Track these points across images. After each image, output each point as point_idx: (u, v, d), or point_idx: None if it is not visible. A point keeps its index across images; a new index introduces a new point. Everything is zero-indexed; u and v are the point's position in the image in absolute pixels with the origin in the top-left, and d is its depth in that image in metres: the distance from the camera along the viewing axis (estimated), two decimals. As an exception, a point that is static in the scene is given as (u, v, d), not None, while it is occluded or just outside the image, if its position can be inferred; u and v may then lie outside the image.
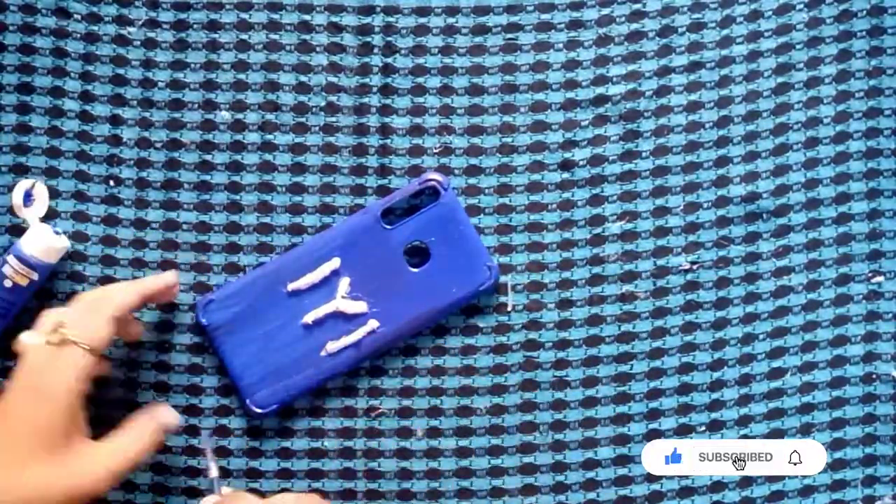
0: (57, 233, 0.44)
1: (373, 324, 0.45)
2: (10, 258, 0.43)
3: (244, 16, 0.47)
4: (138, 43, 0.46)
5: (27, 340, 0.38)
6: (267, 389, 0.45)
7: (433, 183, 0.45)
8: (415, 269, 0.45)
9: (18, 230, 0.45)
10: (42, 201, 0.45)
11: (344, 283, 0.45)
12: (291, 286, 0.45)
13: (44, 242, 0.43)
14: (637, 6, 0.47)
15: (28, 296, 0.44)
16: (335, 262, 0.45)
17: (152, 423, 0.41)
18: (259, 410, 0.45)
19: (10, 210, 0.45)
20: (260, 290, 0.45)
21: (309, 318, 0.45)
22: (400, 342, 0.46)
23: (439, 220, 0.45)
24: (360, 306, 0.45)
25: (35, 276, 0.43)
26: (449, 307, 0.45)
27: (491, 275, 0.45)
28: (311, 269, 0.45)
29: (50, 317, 0.39)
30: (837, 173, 0.47)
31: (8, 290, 0.43)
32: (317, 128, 0.47)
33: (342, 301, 0.45)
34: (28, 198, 0.45)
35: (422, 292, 0.45)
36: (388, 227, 0.45)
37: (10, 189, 0.45)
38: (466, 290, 0.45)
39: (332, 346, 0.45)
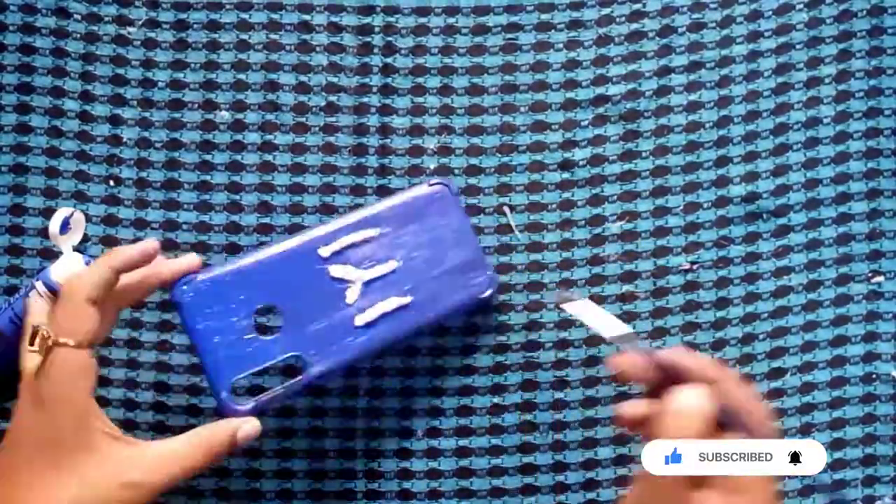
0: (87, 262, 0.42)
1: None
2: (39, 284, 0.41)
3: (244, 16, 0.46)
4: (138, 43, 0.46)
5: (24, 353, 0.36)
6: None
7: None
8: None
9: (17, 230, 0.45)
10: (78, 231, 0.44)
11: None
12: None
13: (73, 272, 0.41)
14: (637, 6, 0.47)
15: None
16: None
17: (227, 432, 0.37)
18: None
19: (9, 209, 0.46)
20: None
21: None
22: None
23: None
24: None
25: None
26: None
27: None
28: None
29: (31, 323, 0.36)
30: (837, 173, 0.47)
31: None
32: (317, 128, 0.47)
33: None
34: (65, 226, 0.43)
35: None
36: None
37: (9, 189, 0.46)
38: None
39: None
